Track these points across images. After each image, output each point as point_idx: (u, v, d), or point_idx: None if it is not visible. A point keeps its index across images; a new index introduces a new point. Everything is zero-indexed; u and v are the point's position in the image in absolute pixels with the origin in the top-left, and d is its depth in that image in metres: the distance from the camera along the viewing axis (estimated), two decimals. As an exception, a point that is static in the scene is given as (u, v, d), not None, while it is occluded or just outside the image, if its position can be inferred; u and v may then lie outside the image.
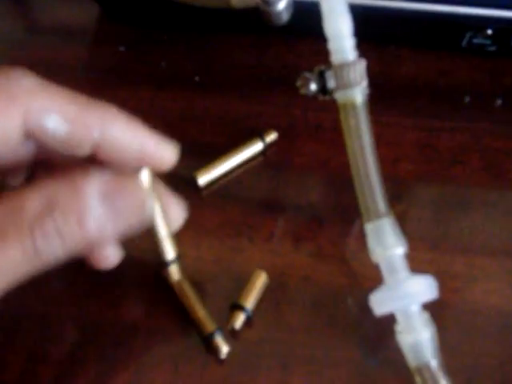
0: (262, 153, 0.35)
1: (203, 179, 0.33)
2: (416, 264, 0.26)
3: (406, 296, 0.25)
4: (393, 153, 0.34)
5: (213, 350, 0.27)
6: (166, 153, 0.25)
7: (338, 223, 0.32)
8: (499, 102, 0.37)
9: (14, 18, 0.45)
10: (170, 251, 0.26)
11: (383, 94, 0.36)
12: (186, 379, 0.27)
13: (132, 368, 0.27)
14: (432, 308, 0.26)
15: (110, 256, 0.25)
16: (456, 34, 0.37)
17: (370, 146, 0.26)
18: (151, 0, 0.38)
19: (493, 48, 0.37)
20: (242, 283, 0.29)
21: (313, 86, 0.26)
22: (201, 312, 0.28)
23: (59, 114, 0.22)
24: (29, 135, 0.22)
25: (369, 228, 0.26)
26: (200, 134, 0.35)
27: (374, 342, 0.28)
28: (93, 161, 0.24)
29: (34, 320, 0.28)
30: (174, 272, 0.27)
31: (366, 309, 0.26)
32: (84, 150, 0.23)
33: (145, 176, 0.24)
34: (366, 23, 0.30)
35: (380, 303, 0.26)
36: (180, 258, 0.27)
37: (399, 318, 0.25)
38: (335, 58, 0.26)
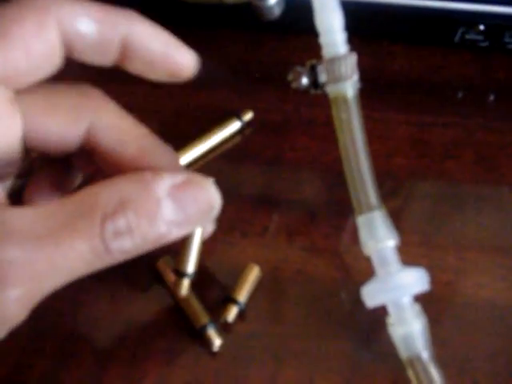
0: (240, 132, 0.35)
1: (184, 158, 0.33)
2: (408, 257, 0.26)
3: (397, 288, 0.25)
4: (385, 148, 0.35)
5: (205, 342, 0.27)
6: (187, 57, 0.24)
7: (331, 217, 0.32)
8: (492, 97, 0.37)
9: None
10: (192, 265, 0.26)
11: (376, 90, 0.36)
12: (178, 372, 0.27)
13: (125, 360, 0.27)
14: (424, 301, 0.26)
15: None
16: (448, 29, 0.37)
17: (361, 140, 0.26)
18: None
19: (485, 43, 0.38)
20: (235, 277, 0.29)
21: (304, 80, 0.27)
22: (194, 305, 0.28)
23: (88, 17, 0.22)
24: (65, 43, 0.22)
25: (360, 221, 0.26)
26: (194, 129, 0.35)
27: (366, 335, 0.28)
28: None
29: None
30: (185, 286, 0.26)
31: (359, 302, 0.26)
32: (113, 53, 0.23)
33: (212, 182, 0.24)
34: (359, 19, 0.30)
35: (371, 295, 0.26)
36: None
37: (391, 309, 0.26)
38: (326, 51, 0.26)
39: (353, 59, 0.26)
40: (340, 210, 0.32)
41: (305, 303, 0.29)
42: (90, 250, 0.20)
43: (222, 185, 0.30)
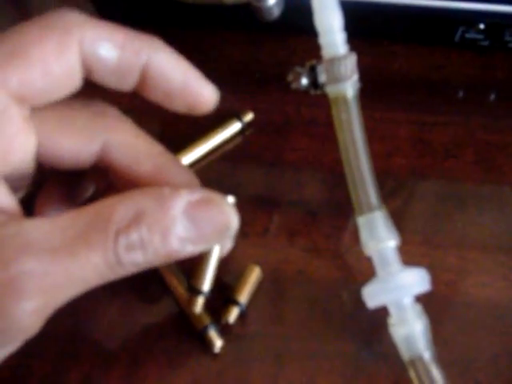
0: (240, 133, 0.35)
1: (185, 159, 0.33)
2: (409, 257, 0.26)
3: (398, 288, 0.25)
4: (386, 147, 0.35)
5: (207, 344, 0.27)
6: (208, 90, 0.25)
7: (331, 218, 0.32)
8: (492, 96, 0.37)
9: (13, 18, 0.45)
10: (208, 283, 0.26)
11: (376, 89, 0.36)
12: (179, 373, 0.27)
13: (126, 362, 0.27)
14: (425, 301, 0.26)
15: None
16: (449, 28, 0.37)
17: (361, 140, 0.26)
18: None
19: (485, 43, 0.37)
20: (236, 278, 0.29)
21: (304, 81, 0.26)
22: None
23: (110, 42, 0.22)
24: (85, 66, 0.22)
25: (361, 221, 0.26)
26: (194, 131, 0.35)
27: (368, 336, 0.28)
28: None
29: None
30: (200, 303, 0.26)
31: (360, 302, 0.26)
32: (132, 79, 0.23)
33: (230, 201, 0.24)
34: (359, 19, 0.30)
35: (372, 296, 0.26)
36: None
37: (392, 310, 0.25)
38: (326, 52, 0.26)
39: (353, 59, 0.26)
40: (341, 210, 0.32)
41: (306, 304, 0.29)
42: (104, 262, 0.20)
43: (222, 185, 0.30)
